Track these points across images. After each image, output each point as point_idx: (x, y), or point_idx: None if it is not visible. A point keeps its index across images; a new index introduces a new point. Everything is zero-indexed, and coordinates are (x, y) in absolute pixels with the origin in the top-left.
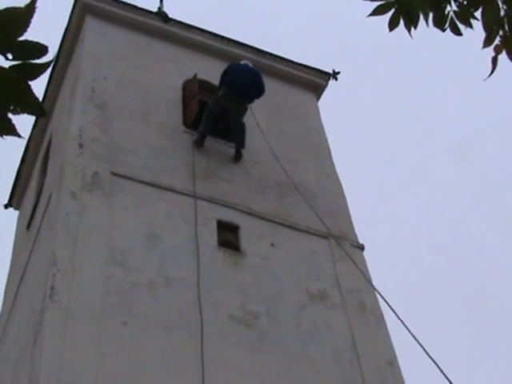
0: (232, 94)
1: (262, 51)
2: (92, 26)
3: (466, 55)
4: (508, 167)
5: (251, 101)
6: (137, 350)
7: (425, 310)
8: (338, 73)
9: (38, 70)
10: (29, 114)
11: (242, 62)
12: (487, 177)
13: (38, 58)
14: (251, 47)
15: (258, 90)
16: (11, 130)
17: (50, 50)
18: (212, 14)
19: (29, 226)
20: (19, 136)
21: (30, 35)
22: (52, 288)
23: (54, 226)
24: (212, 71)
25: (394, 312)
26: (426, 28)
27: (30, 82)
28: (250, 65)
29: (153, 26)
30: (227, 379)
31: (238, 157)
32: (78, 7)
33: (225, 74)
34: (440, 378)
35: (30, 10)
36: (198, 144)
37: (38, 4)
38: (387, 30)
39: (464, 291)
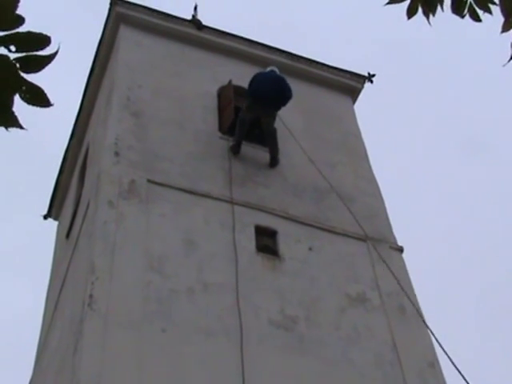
0: (256, 105)
1: (296, 56)
2: (126, 35)
3: (478, 49)
4: None
5: (277, 109)
6: (177, 357)
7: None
8: (374, 75)
9: (42, 61)
10: (34, 105)
11: (268, 69)
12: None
13: (42, 49)
14: (285, 52)
15: (283, 98)
16: (14, 122)
17: (52, 40)
18: (245, 20)
19: (68, 235)
20: (21, 127)
21: (65, 45)
22: (91, 296)
23: (92, 234)
24: (247, 77)
25: (420, 315)
26: (439, 21)
27: (37, 74)
28: (277, 71)
29: (187, 33)
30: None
31: (273, 163)
32: (112, 17)
33: (250, 83)
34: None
35: None
36: (234, 151)
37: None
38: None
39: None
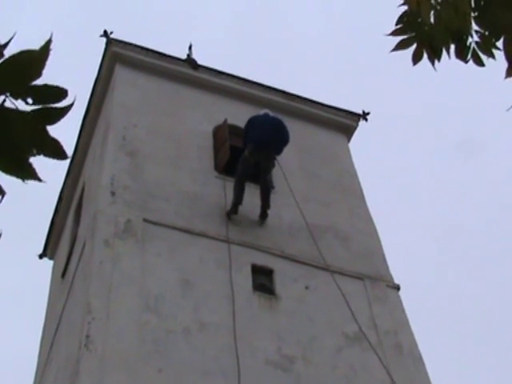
0: (259, 151)
1: (291, 94)
2: (122, 75)
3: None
4: None
5: (279, 153)
6: None
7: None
8: (368, 113)
9: (58, 113)
10: (51, 157)
11: (261, 113)
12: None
13: (58, 101)
14: (280, 91)
15: (284, 141)
16: (32, 175)
17: (69, 93)
18: (240, 59)
19: (63, 274)
20: (40, 180)
21: (61, 84)
22: (87, 336)
23: (88, 274)
24: (242, 116)
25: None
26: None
27: (52, 126)
28: (271, 114)
29: (182, 73)
30: None
31: (264, 216)
32: (107, 56)
33: (247, 130)
34: None
35: (44, 52)
36: (232, 212)
37: (52, 46)
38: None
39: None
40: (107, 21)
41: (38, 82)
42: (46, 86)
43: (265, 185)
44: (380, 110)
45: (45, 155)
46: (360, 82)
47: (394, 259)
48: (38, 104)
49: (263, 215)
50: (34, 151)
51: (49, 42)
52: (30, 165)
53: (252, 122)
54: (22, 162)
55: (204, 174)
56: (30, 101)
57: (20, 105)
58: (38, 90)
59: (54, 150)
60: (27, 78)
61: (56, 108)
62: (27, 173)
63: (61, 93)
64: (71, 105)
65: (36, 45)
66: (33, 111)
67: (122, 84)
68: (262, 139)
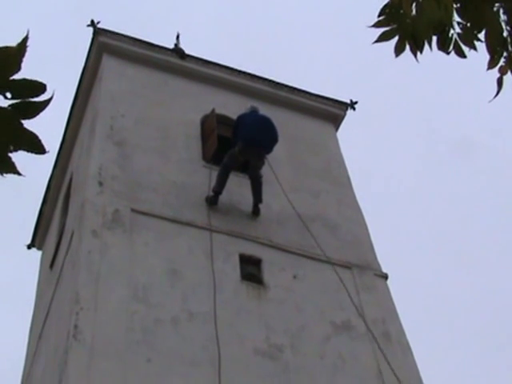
0: (249, 150)
1: (279, 83)
2: (109, 65)
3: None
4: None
5: (269, 152)
6: None
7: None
8: (356, 102)
9: (37, 108)
10: (29, 152)
11: (249, 110)
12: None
13: (37, 96)
14: (268, 80)
15: (274, 141)
16: (11, 169)
17: (48, 87)
18: (228, 48)
19: (52, 265)
20: (19, 174)
21: (48, 75)
22: (76, 327)
23: (76, 264)
24: (230, 105)
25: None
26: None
27: (32, 120)
28: (259, 111)
29: (170, 62)
30: None
31: (256, 212)
32: (95, 46)
33: (236, 127)
34: None
35: (21, 49)
36: (212, 202)
37: (28, 43)
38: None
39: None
40: (94, 10)
41: (18, 76)
42: (24, 80)
43: (256, 181)
44: (371, 100)
45: (23, 150)
46: (350, 72)
47: (383, 248)
48: (17, 98)
49: (256, 210)
50: (11, 147)
51: (25, 39)
52: (10, 159)
53: (242, 119)
54: (1, 156)
55: (192, 164)
56: (8, 95)
57: None
58: (16, 84)
59: (33, 144)
60: (5, 73)
61: (34, 102)
62: (6, 167)
63: (39, 87)
64: (50, 99)
65: (20, 33)
66: (10, 106)
67: (109, 74)
68: (252, 139)
